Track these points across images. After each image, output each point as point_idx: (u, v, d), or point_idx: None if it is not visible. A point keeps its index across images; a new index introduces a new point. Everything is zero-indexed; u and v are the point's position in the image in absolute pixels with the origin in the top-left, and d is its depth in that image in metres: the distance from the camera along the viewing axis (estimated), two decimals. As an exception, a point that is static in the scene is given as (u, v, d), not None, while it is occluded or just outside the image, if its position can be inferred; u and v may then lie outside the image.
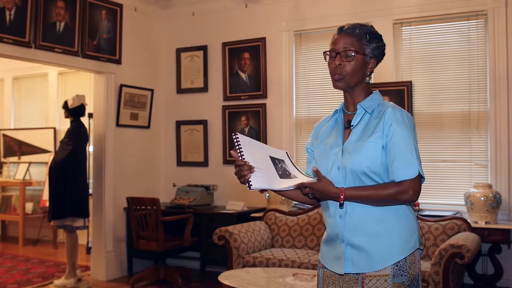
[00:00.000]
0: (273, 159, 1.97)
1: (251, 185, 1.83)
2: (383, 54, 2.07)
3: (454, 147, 5.10)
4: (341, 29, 2.03)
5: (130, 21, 6.14)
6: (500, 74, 4.86)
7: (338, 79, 2.00)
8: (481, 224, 4.59)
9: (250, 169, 1.85)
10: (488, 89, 4.94)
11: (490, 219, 4.60)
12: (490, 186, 4.69)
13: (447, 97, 5.15)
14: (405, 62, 5.30)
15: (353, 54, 1.97)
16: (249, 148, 1.91)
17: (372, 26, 2.06)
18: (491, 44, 4.91)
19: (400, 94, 5.15)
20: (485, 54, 4.98)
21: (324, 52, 2.04)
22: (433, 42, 5.23)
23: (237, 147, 1.88)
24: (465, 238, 4.06)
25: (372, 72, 2.06)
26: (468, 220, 4.57)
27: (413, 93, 5.21)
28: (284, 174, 1.95)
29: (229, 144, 6.16)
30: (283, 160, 2.00)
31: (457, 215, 4.72)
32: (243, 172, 1.85)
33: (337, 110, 2.13)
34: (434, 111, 5.18)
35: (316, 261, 4.49)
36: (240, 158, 1.87)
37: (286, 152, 2.07)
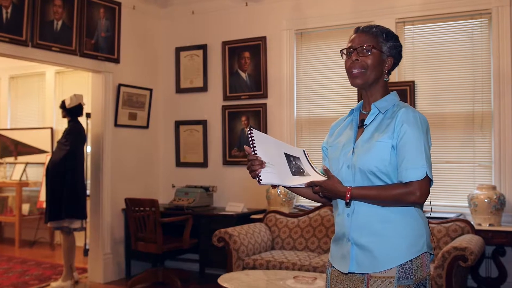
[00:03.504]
0: (287, 156, 2.00)
1: (261, 179, 1.86)
2: (401, 56, 2.12)
3: (458, 148, 5.10)
4: (358, 29, 2.09)
5: (129, 20, 6.14)
6: (504, 73, 4.86)
7: (356, 75, 2.03)
8: (485, 226, 4.59)
9: (261, 164, 1.88)
10: (492, 89, 4.94)
11: (494, 221, 4.59)
12: (494, 188, 4.69)
13: (450, 97, 5.15)
14: (408, 62, 5.30)
15: (370, 49, 2.01)
16: (263, 144, 1.94)
17: (388, 28, 2.11)
18: (495, 43, 4.90)
19: (403, 94, 5.15)
20: (489, 54, 4.97)
21: (341, 51, 2.09)
22: (436, 42, 5.23)
23: (251, 142, 1.92)
24: (468, 241, 4.05)
25: (390, 71, 2.09)
26: (472, 222, 4.57)
27: (415, 93, 5.21)
28: (298, 171, 1.98)
29: (229, 145, 6.16)
30: (298, 158, 2.04)
31: (461, 217, 4.72)
32: (254, 167, 1.89)
33: (353, 109, 2.16)
34: (437, 111, 5.18)
35: (317, 264, 4.50)
36: (253, 152, 1.91)
37: (303, 150, 2.11)
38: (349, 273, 2.00)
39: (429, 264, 2.00)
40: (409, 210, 1.97)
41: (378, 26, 2.08)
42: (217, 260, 5.44)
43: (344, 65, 2.09)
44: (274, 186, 1.98)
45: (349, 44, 2.07)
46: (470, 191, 4.82)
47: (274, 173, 1.90)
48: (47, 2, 5.10)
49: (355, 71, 2.03)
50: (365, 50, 2.02)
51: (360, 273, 1.98)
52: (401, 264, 1.92)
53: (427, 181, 1.90)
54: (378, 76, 2.05)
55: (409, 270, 1.93)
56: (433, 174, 1.93)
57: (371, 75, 2.03)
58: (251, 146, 1.92)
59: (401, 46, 2.11)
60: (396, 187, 1.90)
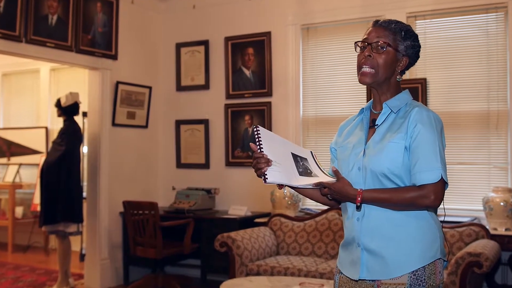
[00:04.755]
0: (294, 156, 2.02)
1: (267, 178, 1.87)
2: (417, 57, 2.11)
3: (472, 148, 5.09)
4: (376, 22, 2.08)
5: (127, 14, 6.15)
6: (521, 70, 4.85)
7: (366, 74, 2.02)
8: (501, 230, 4.57)
9: (268, 162, 1.89)
10: (509, 87, 4.92)
11: (511, 226, 4.58)
12: (510, 190, 4.67)
13: (464, 95, 5.13)
14: (420, 58, 5.26)
15: (385, 47, 2.00)
16: (269, 142, 1.96)
17: (409, 25, 2.10)
18: (511, 39, 4.89)
19: (414, 92, 5.14)
20: (505, 49, 4.96)
21: (355, 43, 2.08)
22: (449, 37, 5.21)
23: (257, 140, 1.93)
24: (483, 246, 4.04)
25: (403, 71, 2.08)
26: (487, 227, 4.56)
27: (427, 91, 5.20)
28: (305, 172, 2.00)
29: (232, 145, 6.16)
30: (306, 159, 2.05)
31: (475, 221, 4.71)
32: (260, 165, 1.90)
33: (363, 108, 2.16)
34: (450, 110, 5.17)
35: (324, 270, 4.49)
36: (259, 150, 1.92)
37: (311, 152, 2.12)
38: (359, 279, 2.00)
39: (442, 271, 1.99)
40: (422, 214, 1.96)
41: (398, 22, 2.06)
42: (219, 266, 5.45)
43: (356, 59, 2.09)
44: (281, 186, 1.98)
45: (365, 37, 2.06)
46: (485, 194, 4.80)
47: (281, 172, 1.91)
48: (42, -5, 5.12)
49: (366, 68, 2.02)
50: (379, 47, 2.00)
51: (370, 280, 1.98)
52: (413, 271, 1.92)
53: (442, 184, 1.89)
54: (390, 75, 2.04)
55: (422, 277, 1.92)
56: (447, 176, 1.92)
57: (382, 75, 2.02)
58: (257, 143, 1.93)
59: (419, 46, 2.10)
60: (409, 190, 1.89)
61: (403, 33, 2.04)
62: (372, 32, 2.04)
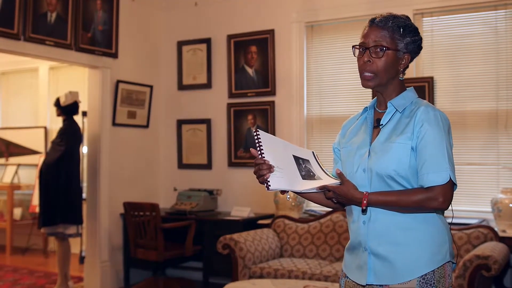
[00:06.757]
0: (296, 159, 1.99)
1: (270, 185, 1.85)
2: (420, 49, 2.07)
3: (480, 148, 5.08)
4: (372, 21, 2.03)
5: (128, 12, 6.16)
6: (530, 69, 4.84)
7: (368, 78, 2.01)
8: (510, 233, 4.57)
9: (270, 168, 1.87)
10: (518, 86, 4.92)
11: (520, 228, 4.58)
12: (519, 192, 4.67)
13: (473, 94, 5.13)
14: (427, 56, 5.29)
15: (384, 50, 1.97)
16: (270, 146, 1.93)
17: (407, 17, 2.05)
18: (520, 37, 4.89)
19: (421, 91, 5.13)
20: (514, 47, 4.96)
21: (353, 46, 2.05)
22: (457, 34, 5.21)
23: (257, 144, 1.90)
24: (492, 248, 4.04)
25: (406, 68, 2.05)
26: (495, 229, 4.55)
27: (435, 90, 5.20)
28: (308, 175, 1.97)
29: (235, 145, 6.16)
30: (308, 160, 2.03)
31: (483, 223, 4.70)
32: (261, 171, 1.87)
33: (367, 107, 2.14)
34: (458, 109, 5.16)
35: (328, 272, 4.49)
36: (260, 156, 1.89)
37: (313, 152, 2.10)
38: (366, 284, 1.99)
39: (451, 274, 1.99)
40: (430, 216, 1.95)
41: (395, 18, 2.01)
42: (221, 269, 5.45)
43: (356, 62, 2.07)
44: (283, 192, 1.96)
45: (362, 40, 2.03)
46: (494, 195, 4.80)
47: (284, 178, 1.89)
48: (41, -7, 5.13)
49: (367, 74, 2.00)
50: (378, 50, 1.98)
51: (377, 285, 1.97)
52: (422, 275, 1.91)
53: (451, 186, 1.88)
54: (393, 76, 2.02)
55: (431, 281, 1.91)
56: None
57: (384, 78, 2.00)
58: (258, 149, 1.90)
59: (420, 39, 2.06)
60: (417, 192, 1.88)
61: (401, 30, 1.99)
62: (369, 35, 2.01)
